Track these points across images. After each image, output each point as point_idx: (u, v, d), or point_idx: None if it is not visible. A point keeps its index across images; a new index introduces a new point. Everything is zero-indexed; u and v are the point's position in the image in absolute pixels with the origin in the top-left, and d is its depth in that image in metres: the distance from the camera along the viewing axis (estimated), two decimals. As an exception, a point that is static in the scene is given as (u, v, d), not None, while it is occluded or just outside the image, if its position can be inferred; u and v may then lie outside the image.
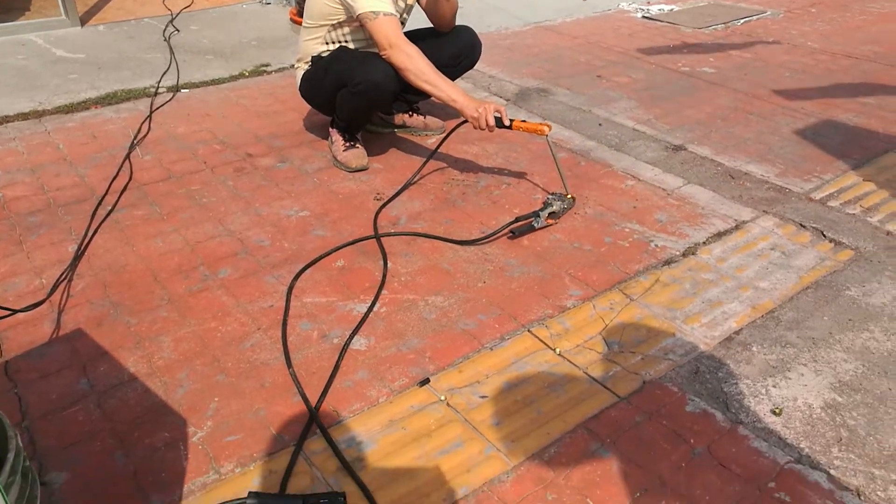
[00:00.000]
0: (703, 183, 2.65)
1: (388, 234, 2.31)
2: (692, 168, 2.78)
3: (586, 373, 1.74)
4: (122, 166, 2.74)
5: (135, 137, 2.98)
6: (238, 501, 1.36)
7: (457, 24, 2.83)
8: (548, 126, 2.41)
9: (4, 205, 2.48)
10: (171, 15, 4.84)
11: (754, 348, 1.82)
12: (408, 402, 1.65)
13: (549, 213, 2.32)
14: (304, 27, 2.69)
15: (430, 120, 3.08)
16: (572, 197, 2.42)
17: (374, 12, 2.41)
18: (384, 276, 2.09)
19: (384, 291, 2.03)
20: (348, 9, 2.51)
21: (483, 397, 1.66)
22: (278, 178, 2.68)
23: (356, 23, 2.55)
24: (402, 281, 2.08)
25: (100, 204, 2.47)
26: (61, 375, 1.72)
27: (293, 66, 3.40)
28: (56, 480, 1.45)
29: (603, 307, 1.97)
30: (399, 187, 2.59)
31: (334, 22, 2.61)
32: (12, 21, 4.45)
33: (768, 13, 5.11)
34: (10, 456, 1.02)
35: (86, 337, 1.85)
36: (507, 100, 3.47)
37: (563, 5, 5.24)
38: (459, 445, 1.53)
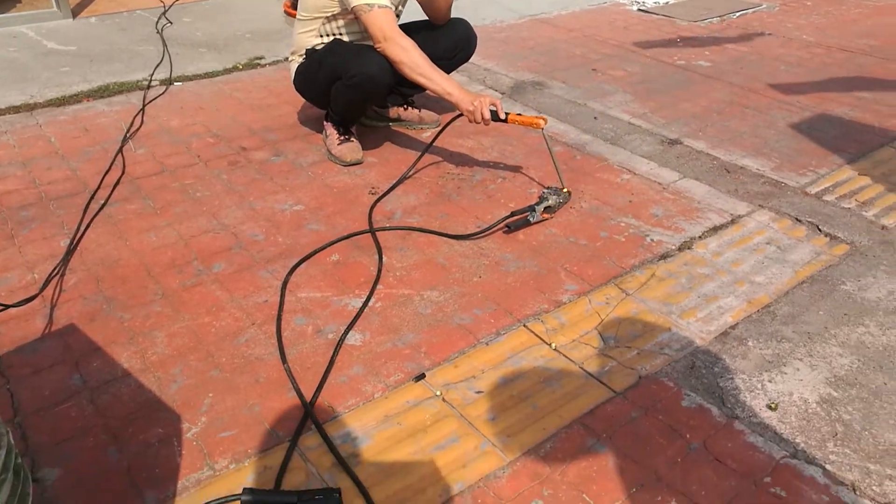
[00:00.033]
0: (698, 177, 2.65)
1: (383, 229, 2.30)
2: (688, 162, 2.77)
3: (582, 368, 1.73)
4: (114, 160, 2.71)
5: (127, 131, 2.96)
6: (233, 498, 1.35)
7: (452, 16, 2.81)
8: (543, 119, 2.40)
9: (-4, 199, 2.46)
10: (164, 7, 4.80)
11: (750, 343, 1.82)
12: (403, 398, 1.64)
13: (545, 208, 2.31)
14: (298, 20, 2.67)
15: (426, 113, 3.06)
16: (568, 191, 2.41)
17: (368, 5, 2.39)
18: (379, 270, 2.08)
19: (379, 286, 2.03)
20: (343, 1, 2.49)
21: (479, 392, 1.66)
22: (272, 172, 2.67)
23: (351, 15, 2.53)
24: (398, 276, 2.08)
25: (92, 198, 2.45)
26: (54, 371, 1.71)
27: (287, 58, 3.38)
28: (49, 477, 1.44)
29: (599, 302, 1.97)
30: (394, 181, 2.58)
31: (329, 14, 2.59)
32: (3, 13, 4.41)
33: (764, 6, 5.10)
34: (2, 453, 1.01)
35: (78, 332, 1.84)
36: (503, 93, 3.46)
37: (559, -2, 5.22)
38: (455, 441, 1.53)
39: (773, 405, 1.62)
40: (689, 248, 2.21)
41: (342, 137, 2.74)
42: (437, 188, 2.56)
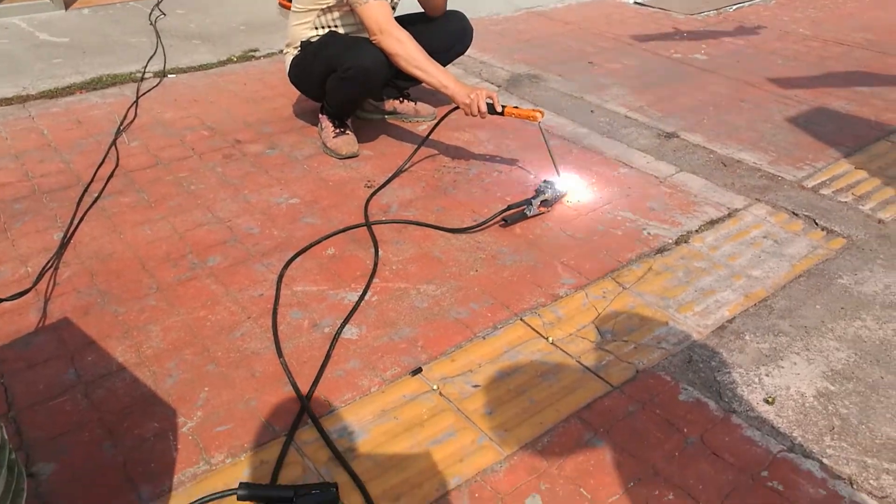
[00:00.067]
0: (695, 170, 2.64)
1: (379, 222, 2.29)
2: (684, 156, 2.77)
3: (579, 361, 1.73)
4: (108, 152, 2.69)
5: (121, 123, 2.94)
6: (229, 492, 1.34)
7: (448, 8, 2.80)
8: (540, 112, 2.38)
9: (-12, 191, 2.44)
10: (158, -2, 4.77)
11: (747, 337, 1.82)
12: (400, 392, 1.63)
13: (542, 201, 2.30)
14: (293, 12, 2.65)
15: (421, 106, 3.05)
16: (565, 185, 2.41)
17: (364, -4, 2.38)
18: (375, 264, 2.07)
19: (375, 280, 2.02)
20: (338, -7, 2.47)
21: (476, 386, 1.65)
22: (267, 165, 2.65)
23: (346, 7, 2.52)
24: (394, 269, 2.07)
25: (86, 191, 2.43)
26: (48, 365, 1.70)
27: (282, 51, 3.35)
28: (43, 471, 1.43)
29: (595, 296, 1.96)
30: (390, 174, 2.56)
31: (324, 6, 2.57)
32: (-5, 4, 4.37)
33: None
34: (-5, 449, 1.00)
35: (73, 326, 1.82)
36: (499, 86, 3.45)
37: (555, -9, 5.20)
38: (452, 435, 1.52)
39: (770, 399, 1.62)
40: (685, 242, 2.21)
41: (338, 130, 2.72)
42: (434, 181, 2.55)
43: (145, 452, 1.47)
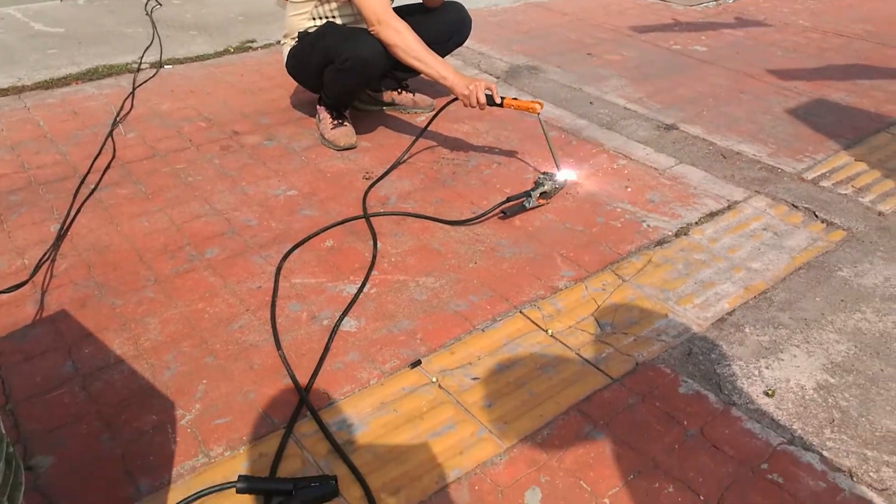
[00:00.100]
0: (695, 162, 2.64)
1: (378, 214, 2.28)
2: (684, 147, 2.76)
3: (579, 354, 1.72)
4: (104, 144, 2.68)
5: (117, 114, 2.92)
6: (228, 485, 1.34)
7: (447, -1, 2.78)
8: (539, 104, 2.37)
9: (-16, 183, 2.42)
10: (154, -12, 4.73)
11: (747, 329, 1.81)
12: (399, 384, 1.63)
13: (541, 193, 2.29)
14: (291, 2, 2.63)
15: (420, 97, 3.03)
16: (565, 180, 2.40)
17: (362, -14, 2.36)
18: (374, 256, 2.07)
19: (374, 272, 2.01)
20: (336, -17, 2.45)
21: (475, 379, 1.65)
22: (265, 157, 2.64)
23: (344, -3, 2.50)
24: (393, 261, 2.06)
25: (82, 182, 2.41)
26: (45, 358, 1.69)
27: (279, 42, 3.34)
28: (42, 464, 1.42)
29: (595, 288, 1.96)
30: (388, 166, 2.55)
31: (322, -4, 2.55)
32: (-11, -6, 4.33)
33: (759, -9, 5.07)
34: (-7, 442, 0.99)
35: (70, 318, 1.81)
36: (498, 77, 3.43)
37: (554, -19, 5.17)
38: (451, 427, 1.52)
39: (770, 392, 1.61)
40: (685, 234, 2.20)
41: (336, 122, 2.71)
42: (432, 173, 2.53)
43: (144, 445, 1.47)
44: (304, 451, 1.46)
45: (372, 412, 1.55)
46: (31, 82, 3.23)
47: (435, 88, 3.04)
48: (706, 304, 1.90)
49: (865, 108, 3.12)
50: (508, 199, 2.29)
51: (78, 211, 2.26)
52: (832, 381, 1.65)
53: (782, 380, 1.65)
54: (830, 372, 1.68)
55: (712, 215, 2.30)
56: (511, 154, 2.67)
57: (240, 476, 1.34)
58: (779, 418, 1.55)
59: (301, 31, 2.62)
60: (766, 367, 1.69)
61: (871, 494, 1.38)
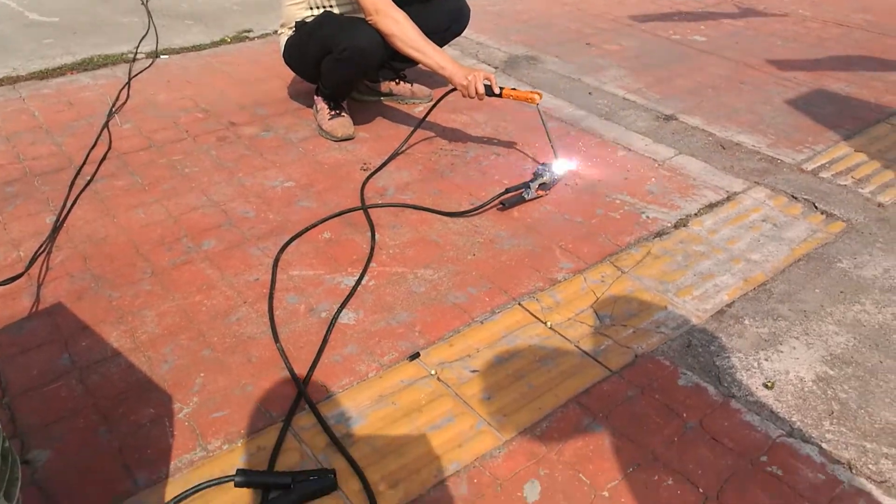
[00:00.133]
0: (694, 153, 2.62)
1: (376, 206, 2.26)
2: (683, 138, 2.75)
3: (578, 346, 1.72)
4: (100, 135, 2.66)
5: (113, 105, 2.90)
6: (226, 479, 1.34)
7: (445, -12, 2.76)
8: (538, 94, 2.36)
9: (-21, 174, 2.40)
10: (149, -23, 4.69)
11: (746, 321, 1.81)
12: (398, 377, 1.62)
13: (540, 185, 2.28)
14: (288, -9, 2.61)
15: (418, 88, 3.01)
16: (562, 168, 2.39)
17: (360, -24, 2.34)
18: (372, 248, 2.06)
19: (372, 264, 2.00)
20: (333, -28, 2.43)
21: (474, 371, 1.64)
22: (262, 148, 2.62)
23: (342, -14, 2.48)
24: (391, 253, 2.05)
25: (78, 174, 2.40)
26: (42, 351, 1.68)
27: (276, 31, 3.31)
28: (39, 458, 1.42)
29: (594, 280, 1.95)
30: (386, 157, 2.54)
31: (319, -15, 2.53)
32: (-17, -17, 4.29)
33: (759, -20, 5.04)
34: (-12, 438, 0.99)
35: (66, 311, 1.80)
36: (496, 67, 3.41)
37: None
38: (450, 420, 1.52)
39: (769, 384, 1.61)
40: (684, 226, 2.19)
41: (333, 112, 2.69)
42: (430, 164, 2.52)
43: (141, 439, 1.46)
44: (302, 444, 1.46)
45: (370, 405, 1.55)
46: (26, 72, 3.21)
47: (433, 79, 3.02)
48: (705, 296, 1.89)
49: (865, 98, 3.10)
50: (507, 191, 2.28)
51: (74, 202, 2.25)
52: (831, 373, 1.65)
53: (781, 372, 1.65)
54: (830, 364, 1.68)
55: (711, 206, 2.29)
56: (510, 145, 2.65)
57: (238, 470, 1.34)
58: (778, 410, 1.55)
59: (298, 20, 2.60)
60: (766, 359, 1.69)
61: (869, 486, 1.38)
